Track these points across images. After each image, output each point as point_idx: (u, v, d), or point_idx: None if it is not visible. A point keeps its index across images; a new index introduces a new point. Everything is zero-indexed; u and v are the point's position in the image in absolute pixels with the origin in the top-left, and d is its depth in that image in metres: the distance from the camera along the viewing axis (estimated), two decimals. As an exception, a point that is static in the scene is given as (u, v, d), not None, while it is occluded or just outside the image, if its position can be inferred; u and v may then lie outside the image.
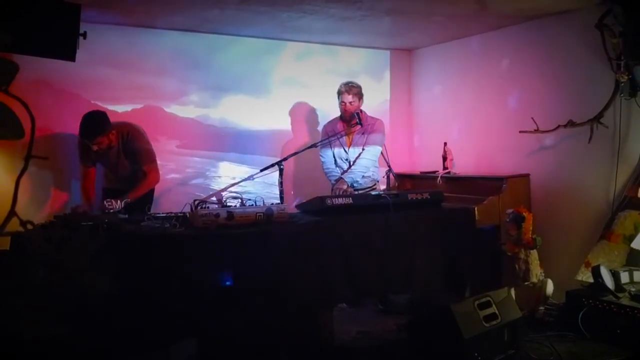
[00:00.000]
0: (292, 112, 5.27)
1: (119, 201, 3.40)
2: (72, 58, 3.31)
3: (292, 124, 5.28)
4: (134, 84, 4.52)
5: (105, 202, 3.36)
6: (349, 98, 4.31)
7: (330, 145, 4.39)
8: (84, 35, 3.34)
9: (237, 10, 4.02)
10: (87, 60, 4.10)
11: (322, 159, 4.48)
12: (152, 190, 4.01)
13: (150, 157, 3.90)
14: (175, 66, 4.70)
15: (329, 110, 4.88)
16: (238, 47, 4.95)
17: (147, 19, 4.30)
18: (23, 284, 1.14)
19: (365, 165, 4.34)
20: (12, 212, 0.94)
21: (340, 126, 4.41)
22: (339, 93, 4.38)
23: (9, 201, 1.08)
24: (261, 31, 4.77)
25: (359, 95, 4.37)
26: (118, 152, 3.83)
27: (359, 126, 4.23)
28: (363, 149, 4.35)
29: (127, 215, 3.15)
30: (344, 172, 4.36)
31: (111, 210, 3.27)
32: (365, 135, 4.35)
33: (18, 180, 1.02)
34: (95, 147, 3.66)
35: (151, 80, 4.60)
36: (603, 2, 3.82)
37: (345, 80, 4.44)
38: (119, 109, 4.43)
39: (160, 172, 4.08)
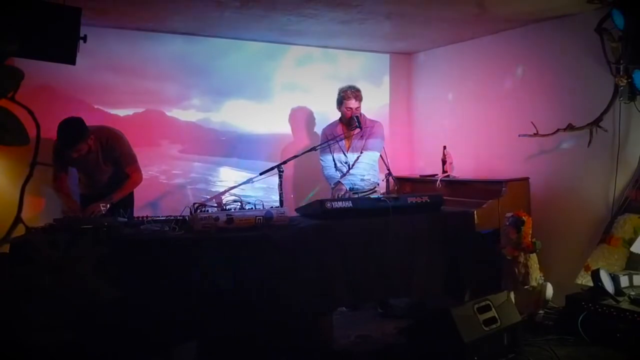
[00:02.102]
0: (293, 116, 5.28)
1: (107, 205, 3.43)
2: (72, 62, 3.31)
3: (292, 128, 5.29)
4: (136, 88, 4.54)
5: (101, 206, 3.38)
6: (355, 104, 4.28)
7: (329, 149, 4.39)
8: (84, 38, 3.33)
9: (237, 13, 4.03)
10: (90, 65, 4.12)
11: (323, 163, 4.48)
12: (132, 194, 3.96)
13: (131, 159, 3.87)
14: (177, 70, 4.71)
15: (329, 114, 4.88)
16: (239, 52, 4.97)
17: (146, 22, 4.31)
18: (27, 288, 1.14)
19: (364, 168, 4.34)
20: (17, 219, 0.94)
21: (340, 129, 4.40)
22: (344, 98, 4.30)
23: (12, 206, 1.08)
24: (261, 35, 4.78)
25: (362, 100, 4.36)
26: (97, 158, 3.77)
27: (359, 129, 4.23)
28: (361, 152, 4.34)
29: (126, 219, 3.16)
30: (343, 175, 4.36)
31: (98, 214, 3.30)
32: (364, 139, 4.34)
33: (23, 187, 1.02)
34: (75, 155, 3.60)
35: (153, 85, 4.61)
36: (602, 6, 3.84)
37: (346, 84, 4.42)
38: (120, 113, 4.45)
39: (163, 176, 4.07)
